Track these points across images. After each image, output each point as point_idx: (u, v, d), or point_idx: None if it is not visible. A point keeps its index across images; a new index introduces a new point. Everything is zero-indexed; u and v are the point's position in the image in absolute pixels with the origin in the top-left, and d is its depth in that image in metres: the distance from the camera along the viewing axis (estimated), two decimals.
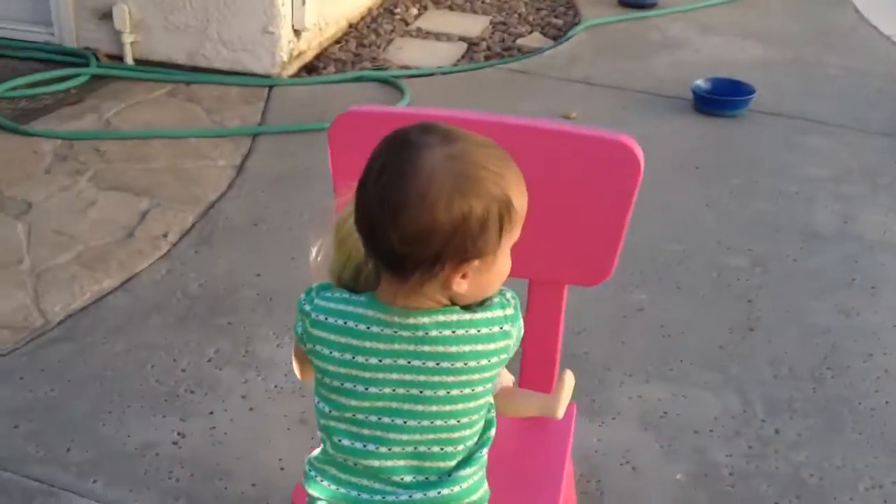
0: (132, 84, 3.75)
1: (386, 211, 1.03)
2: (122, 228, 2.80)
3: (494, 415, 1.24)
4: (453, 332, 1.10)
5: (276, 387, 2.20)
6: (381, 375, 1.12)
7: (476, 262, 1.07)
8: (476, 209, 1.03)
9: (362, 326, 1.11)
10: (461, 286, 1.08)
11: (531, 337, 1.45)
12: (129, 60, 3.88)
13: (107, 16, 3.83)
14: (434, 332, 1.10)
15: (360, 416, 1.14)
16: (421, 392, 1.12)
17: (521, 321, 1.18)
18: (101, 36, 3.91)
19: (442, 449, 1.16)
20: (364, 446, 1.15)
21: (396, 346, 1.10)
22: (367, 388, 1.12)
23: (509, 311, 1.15)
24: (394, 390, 1.12)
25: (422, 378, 1.11)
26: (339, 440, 1.16)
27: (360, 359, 1.11)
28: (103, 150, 3.24)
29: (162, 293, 2.52)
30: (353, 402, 1.14)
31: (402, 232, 1.03)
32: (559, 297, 1.57)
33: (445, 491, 1.16)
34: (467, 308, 1.13)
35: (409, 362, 1.11)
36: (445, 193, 1.02)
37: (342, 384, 1.13)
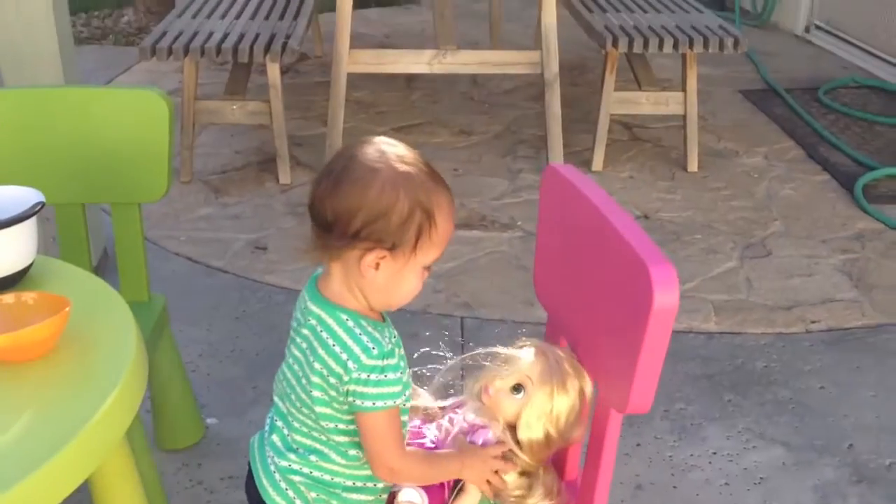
0: None
1: (330, 183, 1.28)
2: None
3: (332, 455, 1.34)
4: (321, 331, 1.29)
5: None
6: (292, 332, 1.37)
7: (387, 254, 1.25)
8: (401, 203, 1.24)
9: (301, 300, 1.36)
10: (368, 273, 1.27)
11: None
12: None
13: None
14: (312, 321, 1.31)
15: (287, 356, 1.39)
16: (297, 357, 1.33)
17: (367, 398, 1.25)
18: None
19: (289, 413, 1.36)
20: (282, 376, 1.40)
21: (301, 319, 1.34)
22: (293, 333, 1.37)
23: (367, 360, 1.24)
24: (294, 349, 1.35)
25: (297, 351, 1.33)
26: (282, 365, 1.42)
27: (293, 317, 1.38)
28: None
29: None
30: (288, 345, 1.39)
31: (335, 204, 1.24)
32: (604, 418, 1.41)
33: (277, 441, 1.38)
34: (354, 320, 1.27)
35: (301, 332, 1.32)
36: (380, 181, 1.25)
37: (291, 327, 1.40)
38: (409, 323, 2.67)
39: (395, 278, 1.28)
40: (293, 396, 1.34)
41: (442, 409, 1.52)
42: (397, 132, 4.20)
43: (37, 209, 1.51)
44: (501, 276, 3.02)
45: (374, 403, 1.26)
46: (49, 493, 1.18)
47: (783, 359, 2.63)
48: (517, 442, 1.41)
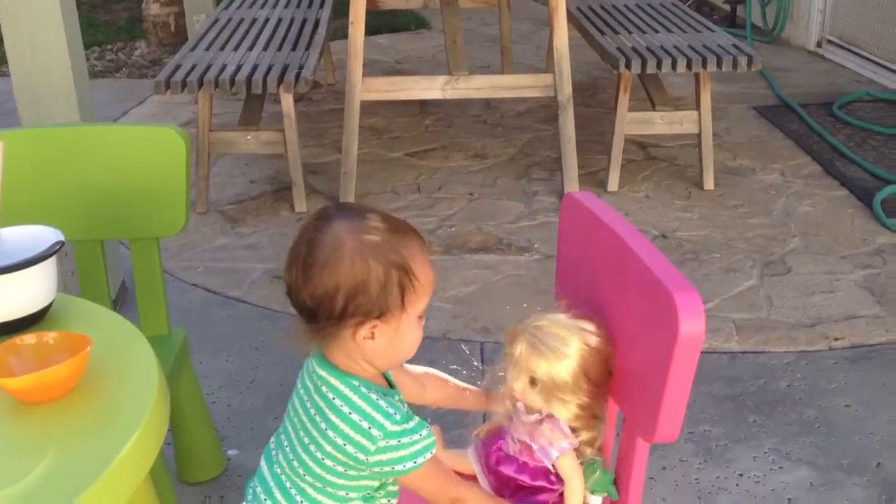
0: None
1: (299, 273, 1.26)
2: None
3: None
4: (334, 398, 1.28)
5: None
6: (297, 402, 1.35)
7: (378, 323, 1.25)
8: (374, 271, 1.23)
9: (309, 365, 1.35)
10: (366, 345, 1.26)
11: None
12: None
13: None
14: (324, 389, 1.29)
15: (286, 422, 1.38)
16: (304, 424, 1.31)
17: (408, 460, 1.25)
18: None
19: (286, 481, 1.33)
20: (275, 447, 1.39)
21: (310, 385, 1.32)
22: (292, 406, 1.36)
23: (392, 427, 1.23)
24: (302, 414, 1.33)
25: (304, 417, 1.32)
26: (278, 433, 1.42)
27: (298, 384, 1.37)
28: None
29: None
30: (289, 411, 1.38)
31: (311, 291, 1.23)
32: (631, 447, 1.40)
33: None
34: (366, 387, 1.27)
35: (309, 398, 1.31)
36: (348, 257, 1.23)
37: (292, 397, 1.38)
38: (428, 349, 2.64)
39: (394, 339, 1.27)
40: (295, 463, 1.31)
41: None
42: (411, 157, 4.21)
43: (56, 249, 1.51)
44: (520, 299, 3.00)
45: (415, 462, 1.26)
46: None
47: (807, 377, 2.60)
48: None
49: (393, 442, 1.24)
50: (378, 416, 1.24)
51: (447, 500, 1.35)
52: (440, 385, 1.58)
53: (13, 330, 1.44)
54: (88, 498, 1.16)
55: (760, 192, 3.80)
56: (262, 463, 1.40)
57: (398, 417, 1.25)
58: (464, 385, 1.60)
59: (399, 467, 1.26)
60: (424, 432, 1.27)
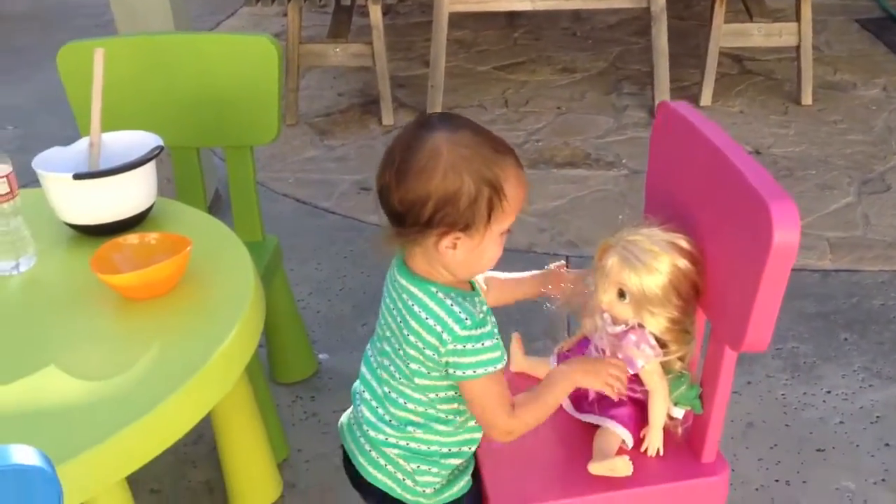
0: None
1: (393, 176, 1.27)
2: None
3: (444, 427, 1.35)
4: (413, 305, 1.30)
5: None
6: (384, 309, 1.37)
7: (462, 235, 1.26)
8: (467, 185, 1.24)
9: (391, 273, 1.37)
10: (447, 254, 1.27)
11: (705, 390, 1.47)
12: None
13: None
14: (405, 296, 1.32)
15: (378, 329, 1.41)
16: (392, 330, 1.36)
17: (467, 367, 1.26)
18: None
19: (384, 385, 1.37)
20: (372, 353, 1.43)
21: (394, 294, 1.35)
22: (381, 313, 1.39)
23: (461, 332, 1.25)
24: (390, 320, 1.36)
25: (392, 323, 1.35)
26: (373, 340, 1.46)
27: (385, 291, 1.39)
28: None
29: None
30: (380, 318, 1.41)
31: (402, 195, 1.24)
32: (719, 356, 1.40)
33: (368, 414, 1.39)
34: (444, 292, 1.28)
35: (394, 306, 1.34)
36: (442, 167, 1.24)
37: (381, 305, 1.40)
38: (513, 262, 2.66)
39: (476, 252, 1.27)
40: (392, 368, 1.35)
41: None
42: (499, 71, 4.17)
43: (156, 153, 1.56)
44: (607, 214, 2.99)
45: (474, 371, 1.27)
46: (175, 424, 1.23)
47: None
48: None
49: (459, 346, 1.26)
50: (449, 321, 1.26)
51: (499, 429, 1.33)
52: (498, 284, 1.56)
53: (117, 230, 1.50)
54: (193, 386, 1.22)
55: (861, 107, 3.67)
56: (364, 369, 1.43)
57: (469, 323, 1.26)
58: (518, 275, 1.57)
59: (458, 372, 1.28)
60: (491, 343, 1.27)
